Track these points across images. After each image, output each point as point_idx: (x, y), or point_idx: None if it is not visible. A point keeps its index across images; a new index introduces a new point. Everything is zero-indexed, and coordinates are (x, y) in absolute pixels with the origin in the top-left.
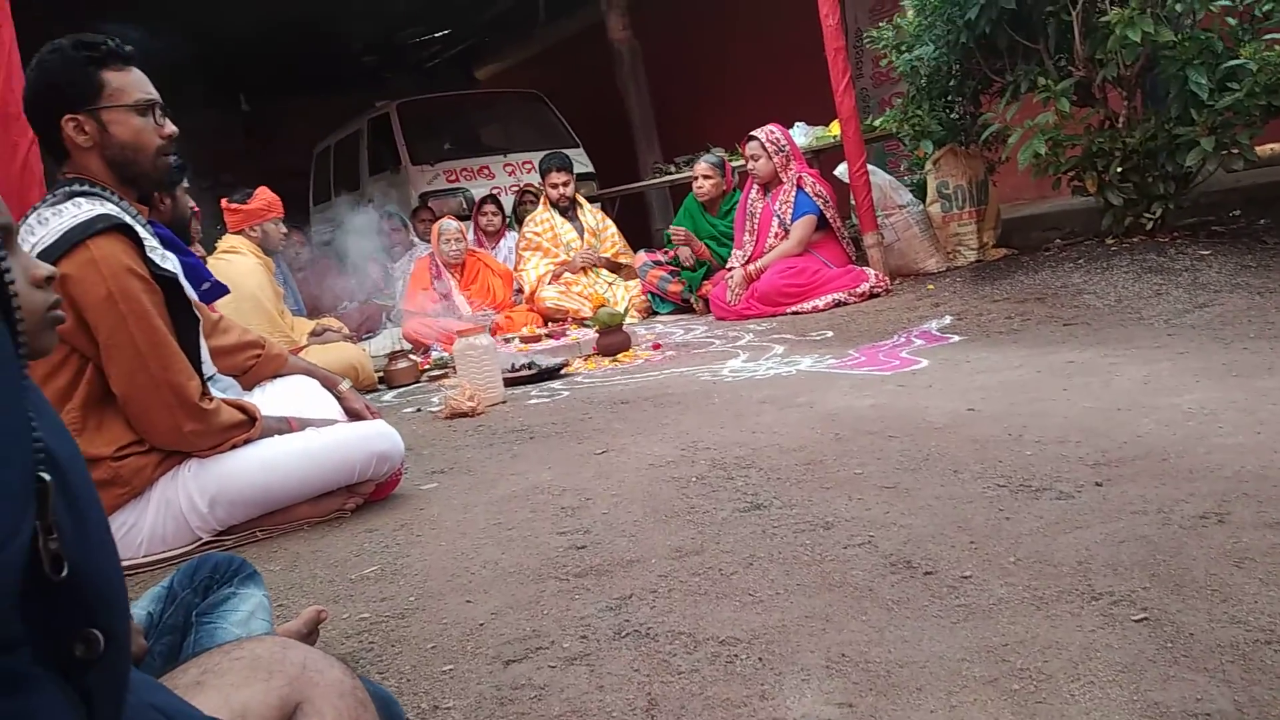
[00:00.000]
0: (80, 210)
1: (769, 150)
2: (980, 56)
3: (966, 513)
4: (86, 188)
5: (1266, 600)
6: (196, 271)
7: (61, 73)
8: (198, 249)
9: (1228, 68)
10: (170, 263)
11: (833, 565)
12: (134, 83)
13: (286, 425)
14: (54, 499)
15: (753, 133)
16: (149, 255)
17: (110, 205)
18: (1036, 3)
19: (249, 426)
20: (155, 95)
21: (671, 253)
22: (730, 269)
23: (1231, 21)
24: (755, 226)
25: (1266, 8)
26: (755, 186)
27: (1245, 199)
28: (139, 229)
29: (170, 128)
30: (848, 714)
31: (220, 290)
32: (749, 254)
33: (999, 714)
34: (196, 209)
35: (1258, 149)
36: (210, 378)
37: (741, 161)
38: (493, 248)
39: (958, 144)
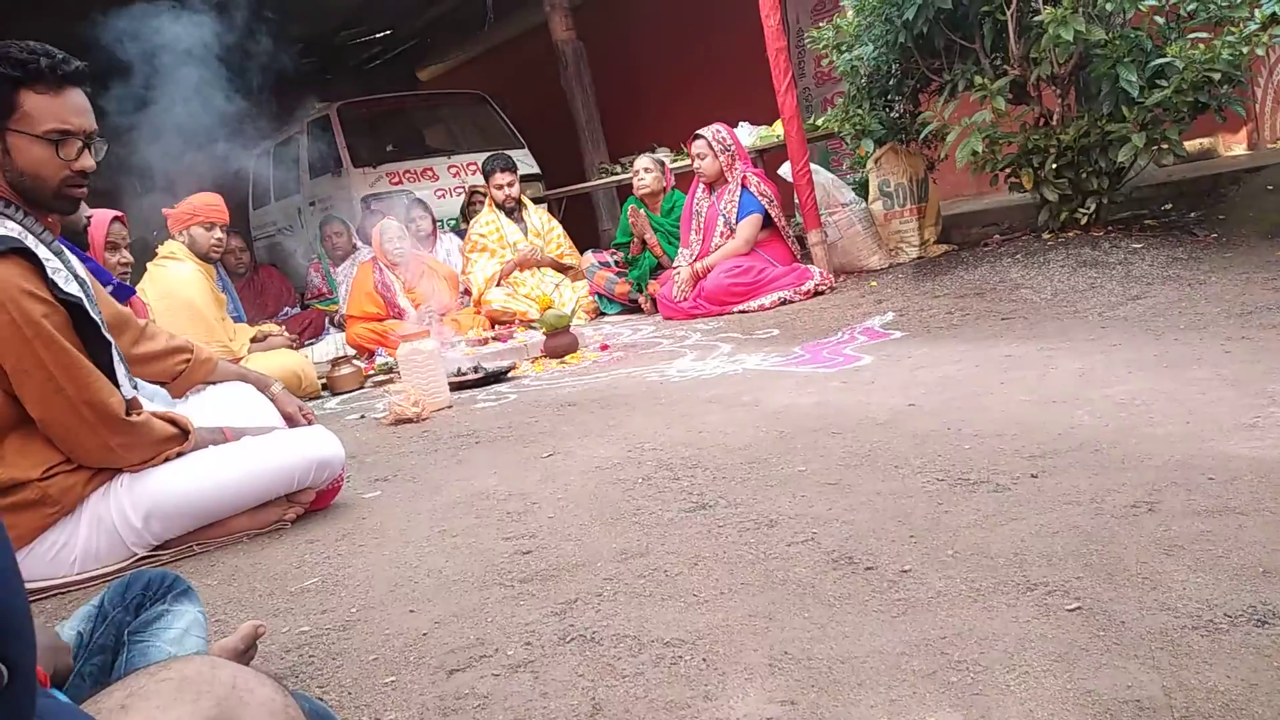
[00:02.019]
0: None
1: (715, 149)
2: (918, 56)
3: (906, 507)
4: None
5: (1194, 587)
6: (96, 276)
7: None
8: (125, 255)
9: (1156, 65)
10: (74, 285)
11: (776, 563)
12: (55, 109)
13: (221, 435)
14: None
15: (699, 131)
16: (51, 278)
17: (12, 225)
18: (972, 3)
19: (181, 439)
20: (79, 125)
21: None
22: (677, 268)
23: (1159, 20)
24: (701, 226)
25: (1191, 7)
26: (701, 186)
27: (1176, 193)
28: (42, 249)
29: (85, 162)
30: (790, 712)
31: (125, 291)
32: (695, 253)
33: (937, 706)
34: (121, 215)
35: (1186, 144)
36: (130, 400)
37: (685, 161)
38: (429, 252)
39: (898, 142)
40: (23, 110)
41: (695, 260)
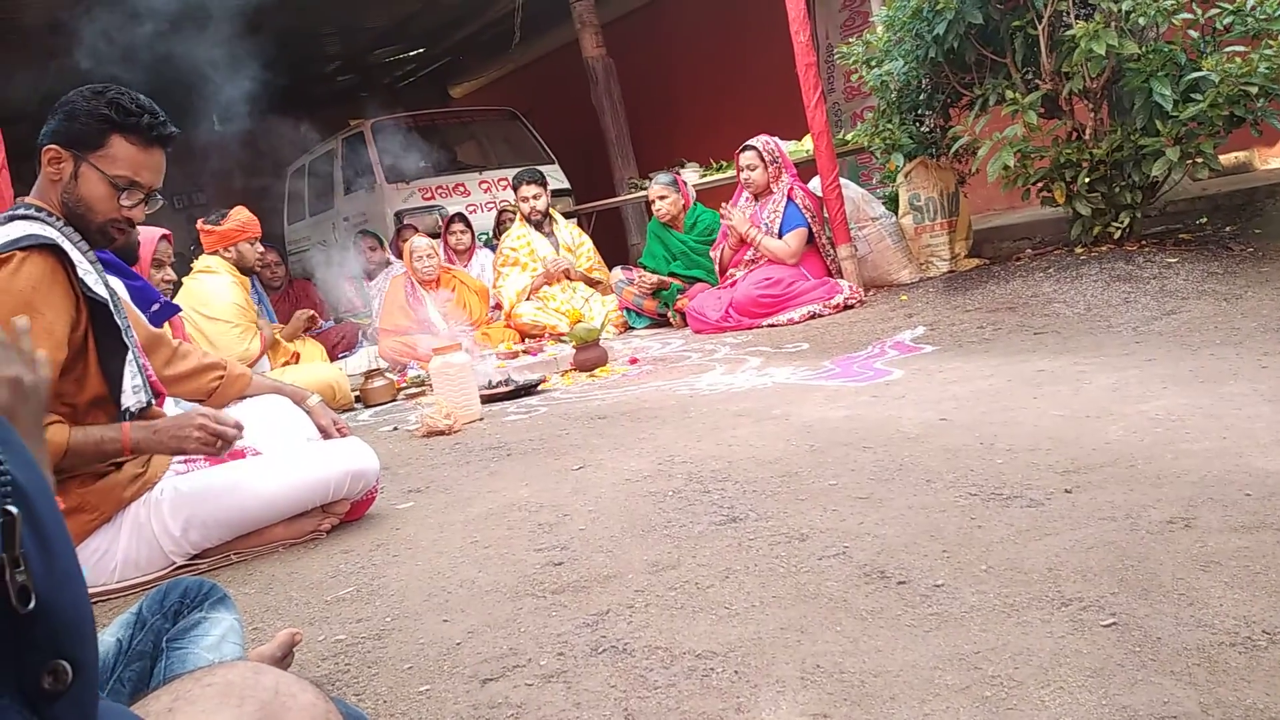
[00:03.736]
0: (13, 231)
1: (765, 160)
2: (949, 71)
3: (939, 522)
4: (33, 213)
5: (1231, 603)
6: (144, 293)
7: (82, 111)
8: (169, 272)
9: (1191, 79)
10: (102, 289)
11: (808, 577)
12: (135, 161)
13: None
14: (21, 531)
15: (749, 143)
16: (81, 278)
17: (51, 230)
18: (1003, 17)
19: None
20: (148, 181)
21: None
22: (720, 243)
23: (1193, 34)
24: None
25: (1227, 20)
26: (745, 195)
27: (1211, 207)
28: (75, 253)
29: (136, 212)
30: None
31: (170, 310)
32: (729, 258)
33: None
34: (168, 234)
35: (1221, 158)
36: (126, 409)
37: (714, 176)
38: (464, 265)
39: (928, 157)
40: (108, 151)
41: (733, 261)
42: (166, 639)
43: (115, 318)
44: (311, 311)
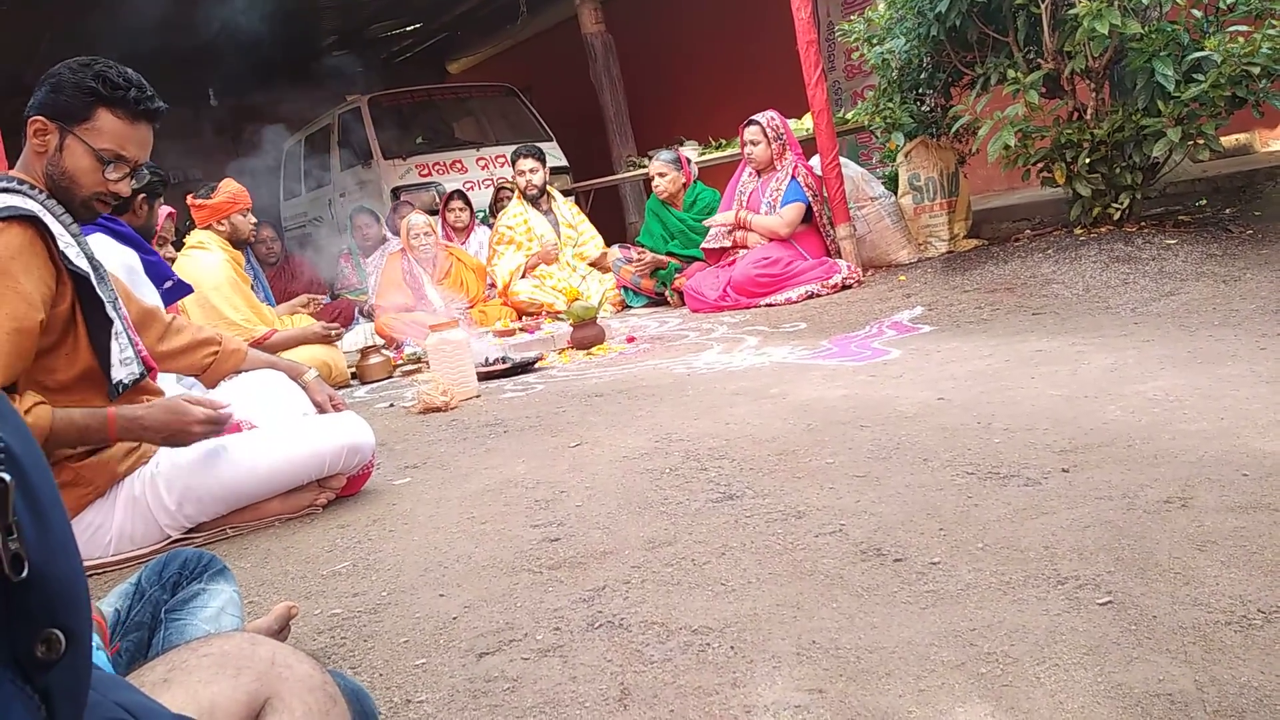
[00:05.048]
0: None
1: (769, 136)
2: (950, 49)
3: (936, 500)
4: (14, 185)
5: (1228, 582)
6: (158, 269)
7: (68, 84)
8: (170, 250)
9: (1193, 59)
10: (84, 262)
11: (804, 554)
12: (120, 135)
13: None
14: (14, 499)
15: (754, 117)
16: (62, 250)
17: (32, 203)
18: None
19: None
20: (133, 155)
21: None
22: (713, 232)
23: (1197, 14)
24: (743, 206)
25: (1230, 0)
26: (748, 170)
27: (1211, 189)
28: (57, 225)
29: (121, 186)
30: (818, 700)
31: (184, 289)
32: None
33: (966, 697)
34: (173, 212)
35: (1223, 139)
36: (118, 382)
37: (712, 155)
38: (462, 243)
39: (929, 136)
40: (94, 124)
41: (736, 228)
42: (165, 610)
43: (98, 290)
44: (314, 296)
